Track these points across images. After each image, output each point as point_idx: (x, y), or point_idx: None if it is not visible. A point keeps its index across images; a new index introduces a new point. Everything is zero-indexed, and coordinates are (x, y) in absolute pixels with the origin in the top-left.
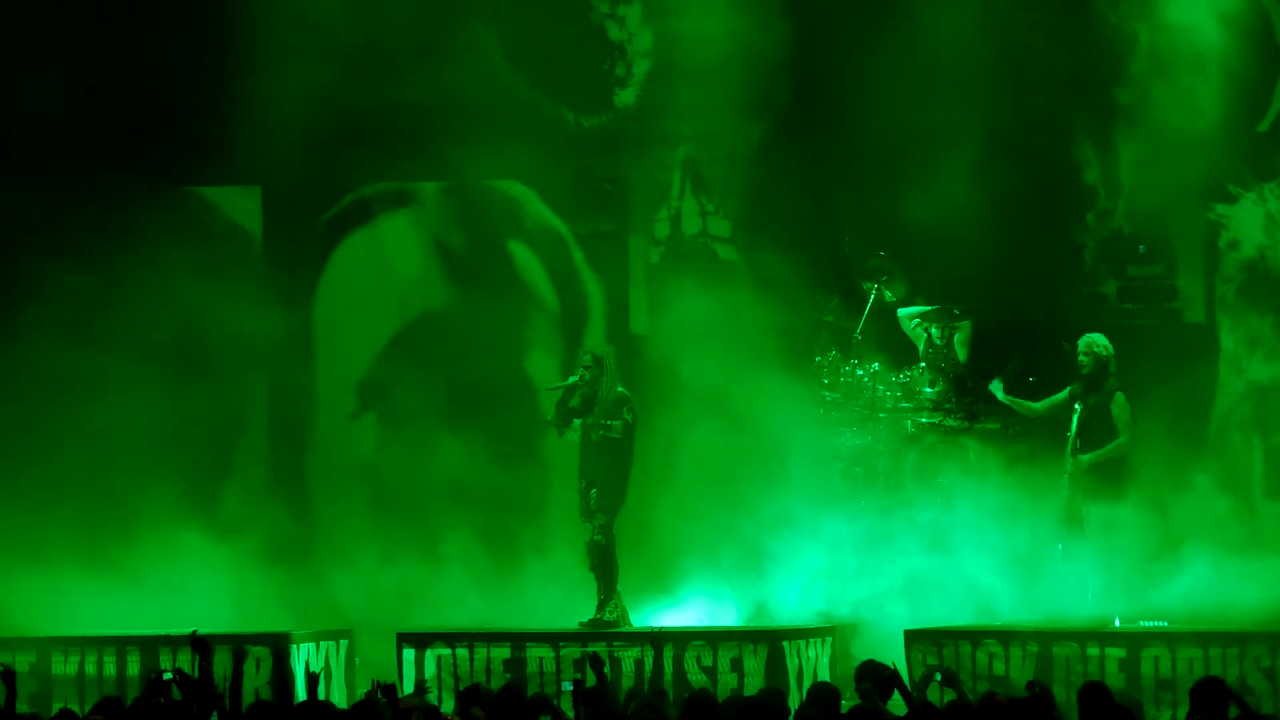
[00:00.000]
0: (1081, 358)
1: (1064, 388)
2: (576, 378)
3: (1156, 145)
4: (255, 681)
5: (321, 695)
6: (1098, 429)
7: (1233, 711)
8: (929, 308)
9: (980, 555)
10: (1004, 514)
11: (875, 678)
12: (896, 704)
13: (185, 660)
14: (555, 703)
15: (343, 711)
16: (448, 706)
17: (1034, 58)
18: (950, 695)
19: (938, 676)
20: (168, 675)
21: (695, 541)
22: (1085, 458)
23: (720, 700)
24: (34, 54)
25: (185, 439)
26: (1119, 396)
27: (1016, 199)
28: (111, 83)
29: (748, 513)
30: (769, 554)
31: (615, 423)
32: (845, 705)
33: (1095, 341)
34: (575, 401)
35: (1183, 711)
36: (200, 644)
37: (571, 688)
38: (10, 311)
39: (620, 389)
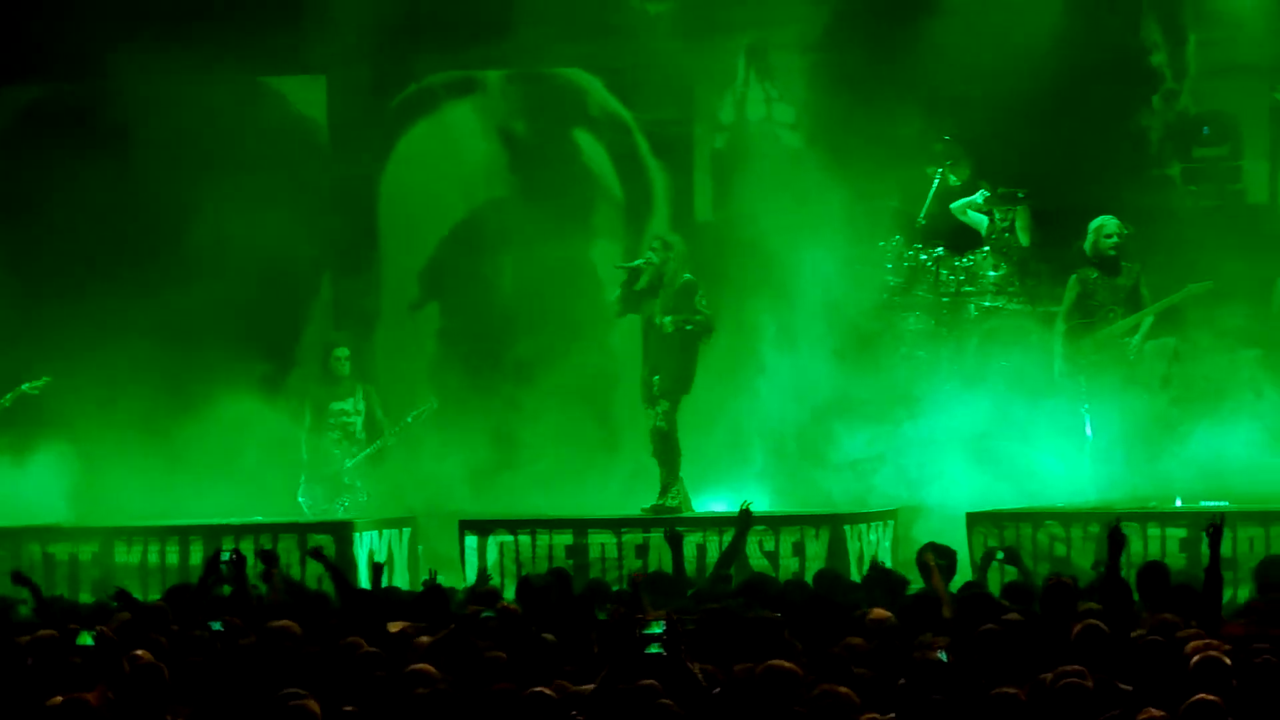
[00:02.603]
0: (1112, 239)
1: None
2: (643, 260)
3: (1222, 28)
4: (318, 569)
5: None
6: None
7: None
8: (982, 195)
9: (1044, 438)
10: (1065, 397)
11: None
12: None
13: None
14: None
15: (407, 598)
16: (509, 594)
17: None
18: (1011, 575)
19: (999, 555)
20: (226, 555)
21: (757, 428)
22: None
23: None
24: None
25: (253, 327)
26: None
27: (1082, 82)
28: None
29: (810, 398)
30: (830, 439)
31: (698, 316)
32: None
33: (1119, 225)
34: (642, 284)
35: (1244, 590)
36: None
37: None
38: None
39: (687, 275)
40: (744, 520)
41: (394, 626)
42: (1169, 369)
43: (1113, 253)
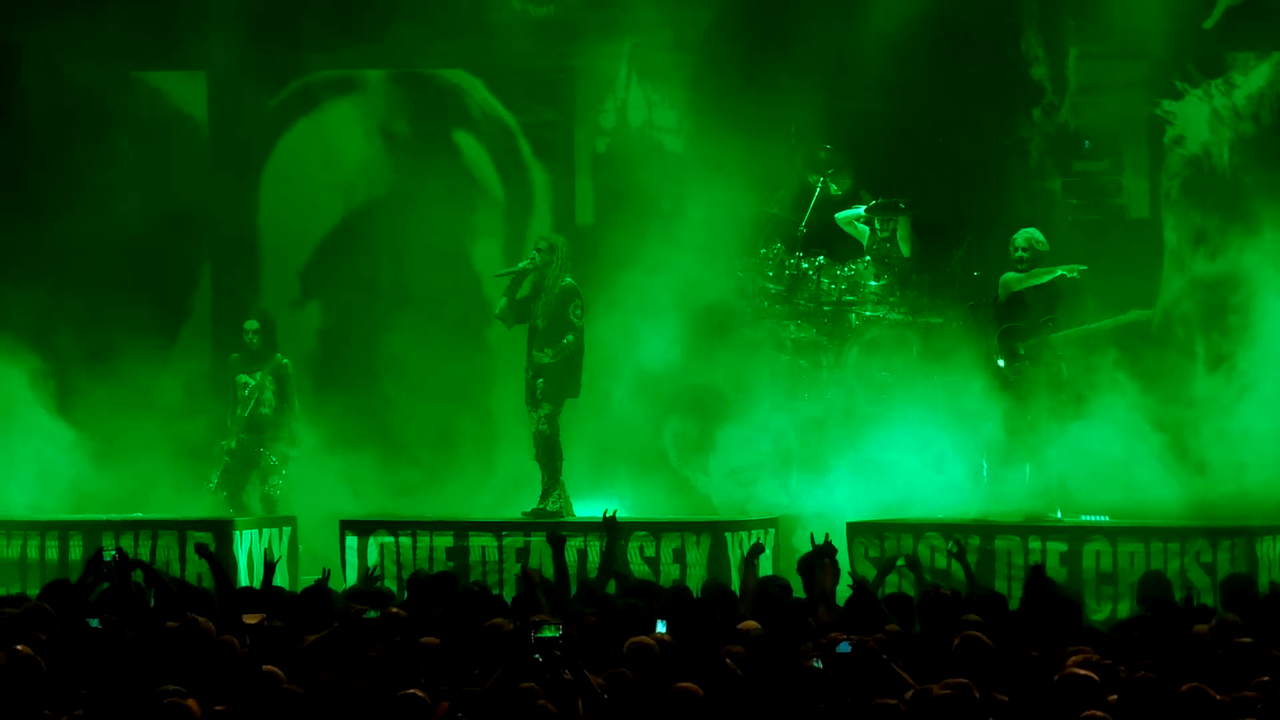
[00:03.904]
0: (1022, 253)
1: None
2: (527, 262)
3: (1103, 42)
4: (199, 566)
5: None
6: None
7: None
8: (866, 205)
9: (923, 448)
10: (945, 407)
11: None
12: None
13: (126, 544)
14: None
15: (291, 597)
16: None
17: None
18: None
19: (899, 562)
20: (109, 555)
21: (638, 434)
22: (1059, 335)
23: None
24: None
25: (129, 325)
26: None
27: (964, 93)
28: None
29: (691, 405)
30: (711, 446)
31: (568, 338)
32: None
33: (1035, 236)
34: (525, 290)
35: (1124, 605)
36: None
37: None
38: None
39: (568, 279)
40: (610, 528)
41: (250, 619)
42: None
43: (1021, 267)
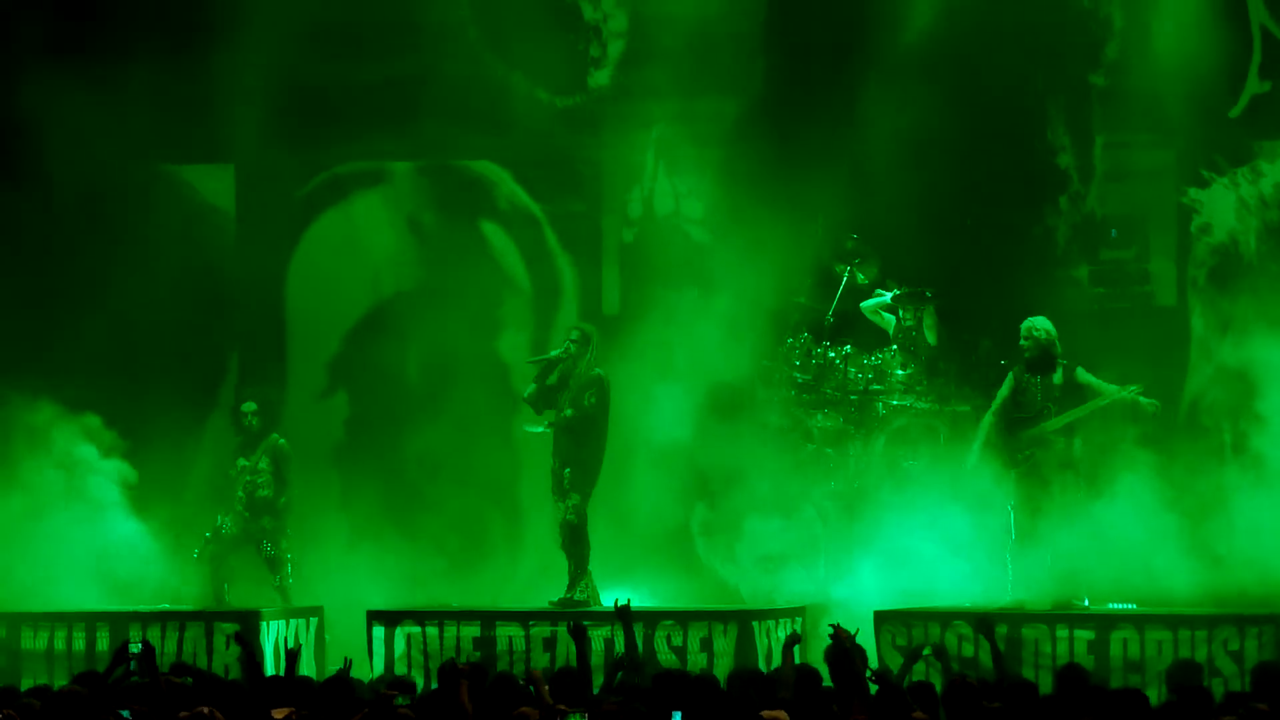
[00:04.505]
0: (1023, 342)
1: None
2: (560, 351)
3: (1128, 130)
4: (225, 658)
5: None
6: (1070, 407)
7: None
8: (892, 294)
9: (951, 538)
10: (974, 496)
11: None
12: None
13: (154, 636)
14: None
15: (316, 686)
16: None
17: (1009, 41)
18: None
19: (927, 651)
20: (135, 648)
21: (665, 522)
22: (1050, 424)
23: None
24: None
25: (157, 418)
26: (1079, 369)
27: (990, 182)
28: (88, 64)
29: (719, 493)
30: (739, 535)
31: (587, 401)
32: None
33: (1035, 325)
34: (554, 378)
35: (1152, 692)
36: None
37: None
38: None
39: (597, 370)
40: (623, 617)
41: (279, 714)
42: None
43: (1027, 355)
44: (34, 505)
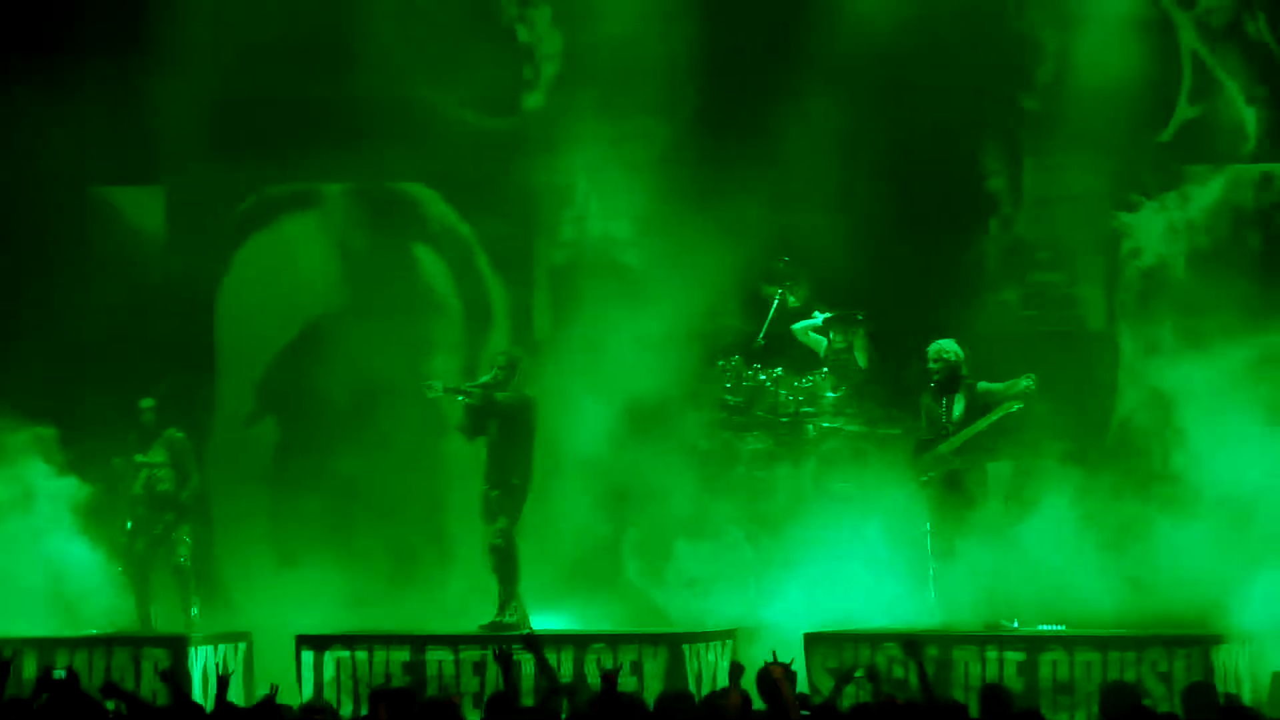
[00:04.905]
0: (931, 364)
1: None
2: (489, 377)
3: (1059, 154)
4: (154, 684)
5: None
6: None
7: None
8: (823, 316)
9: (879, 560)
10: (903, 518)
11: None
12: None
13: (81, 662)
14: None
15: (243, 712)
16: (345, 710)
17: (941, 65)
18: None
19: (859, 674)
20: (59, 674)
21: (595, 546)
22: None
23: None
24: None
25: (82, 441)
26: (980, 384)
27: (920, 205)
28: (17, 87)
29: (647, 516)
30: (668, 558)
31: (515, 425)
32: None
33: (945, 348)
34: (476, 402)
35: (1080, 715)
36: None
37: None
38: None
39: (526, 392)
40: (532, 646)
41: None
42: (1009, 491)
43: (936, 377)
44: None
